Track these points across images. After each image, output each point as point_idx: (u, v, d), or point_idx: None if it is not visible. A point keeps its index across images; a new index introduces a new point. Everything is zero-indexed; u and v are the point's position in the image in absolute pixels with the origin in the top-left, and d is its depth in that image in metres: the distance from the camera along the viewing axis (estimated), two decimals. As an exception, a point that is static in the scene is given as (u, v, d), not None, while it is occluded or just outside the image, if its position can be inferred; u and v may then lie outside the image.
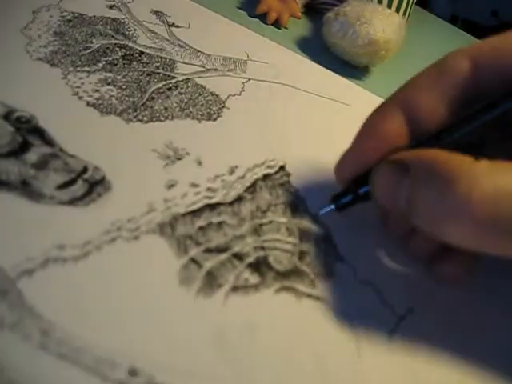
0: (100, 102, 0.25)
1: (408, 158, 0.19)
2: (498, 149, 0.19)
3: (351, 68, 0.37)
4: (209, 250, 0.21)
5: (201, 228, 0.22)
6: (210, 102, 0.28)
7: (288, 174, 0.26)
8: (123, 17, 0.32)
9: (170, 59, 0.30)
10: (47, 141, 0.23)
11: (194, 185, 0.23)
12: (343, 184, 0.23)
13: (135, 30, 0.31)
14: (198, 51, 0.31)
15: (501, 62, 0.19)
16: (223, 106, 0.28)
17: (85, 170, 0.22)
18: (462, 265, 0.22)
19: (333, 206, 0.23)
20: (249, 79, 0.31)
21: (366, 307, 0.21)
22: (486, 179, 0.16)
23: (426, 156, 0.18)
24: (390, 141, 0.21)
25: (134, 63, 0.29)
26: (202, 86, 0.29)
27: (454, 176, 0.17)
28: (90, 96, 0.26)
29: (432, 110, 0.20)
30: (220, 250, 0.21)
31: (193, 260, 0.21)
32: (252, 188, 0.24)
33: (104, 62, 0.28)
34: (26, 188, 0.21)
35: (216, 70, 0.31)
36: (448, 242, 0.18)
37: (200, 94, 0.28)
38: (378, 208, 0.23)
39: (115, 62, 0.28)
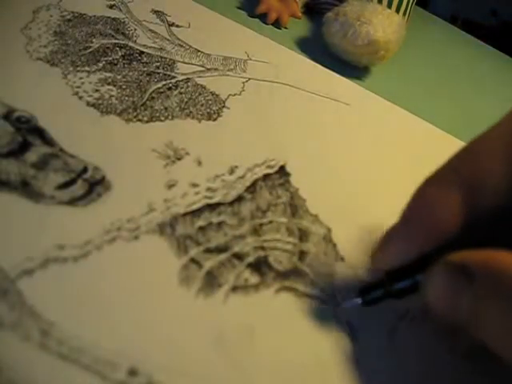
0: (100, 101, 0.25)
1: (473, 263, 0.16)
2: None
3: (351, 68, 0.37)
4: (209, 250, 0.21)
5: (201, 228, 0.22)
6: (210, 102, 0.28)
7: (288, 174, 0.26)
8: (123, 16, 0.32)
9: (170, 59, 0.30)
10: (47, 141, 0.23)
11: (194, 185, 0.23)
12: (380, 271, 0.20)
13: (135, 29, 0.31)
14: (198, 51, 0.31)
15: None
16: (223, 106, 0.28)
17: (85, 169, 0.22)
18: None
19: (359, 301, 0.20)
20: (249, 79, 0.31)
21: (365, 307, 0.21)
22: None
23: (496, 262, 0.15)
24: (444, 228, 0.17)
25: (134, 63, 0.29)
26: (202, 85, 0.29)
27: None
28: (90, 96, 0.26)
29: (502, 189, 0.17)
30: (220, 249, 0.21)
31: (193, 260, 0.21)
32: (252, 188, 0.24)
33: (104, 62, 0.28)
34: (25, 188, 0.21)
35: (216, 69, 0.31)
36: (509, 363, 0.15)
37: (200, 94, 0.28)
38: (421, 306, 0.20)
39: (115, 61, 0.28)
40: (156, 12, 0.33)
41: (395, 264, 0.19)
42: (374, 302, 0.20)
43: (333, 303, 0.21)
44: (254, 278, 0.21)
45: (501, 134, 0.17)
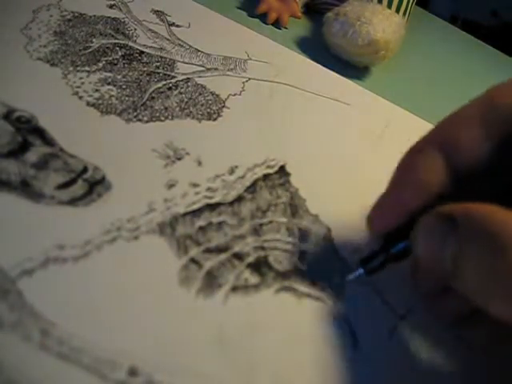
0: (100, 101, 0.25)
1: (457, 212, 0.17)
2: None
3: (351, 68, 0.37)
4: (209, 250, 0.21)
5: (201, 228, 0.22)
6: (210, 102, 0.28)
7: (288, 174, 0.26)
8: (123, 16, 0.32)
9: (170, 59, 0.30)
10: (47, 141, 0.23)
11: (194, 185, 0.23)
12: (377, 236, 0.21)
13: (135, 29, 0.31)
14: (198, 51, 0.31)
15: None
16: (223, 106, 0.28)
17: (85, 169, 0.22)
18: (492, 332, 0.20)
19: (362, 271, 0.21)
20: (249, 79, 0.31)
21: (366, 307, 0.21)
22: None
23: (478, 212, 0.16)
24: (430, 188, 0.19)
25: (134, 63, 0.29)
26: (202, 85, 0.29)
27: (509, 243, 0.15)
28: (90, 96, 0.26)
29: (476, 150, 0.18)
30: (220, 249, 0.21)
31: (193, 260, 0.21)
32: (252, 188, 0.24)
33: (104, 62, 0.28)
34: (25, 188, 0.21)
35: (216, 69, 0.31)
36: (490, 313, 0.16)
37: (200, 94, 0.28)
38: (410, 267, 0.20)
39: (115, 61, 0.28)
40: (156, 12, 0.33)
41: (389, 227, 0.20)
42: (376, 269, 0.20)
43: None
44: (253, 278, 0.21)
45: (478, 102, 0.19)
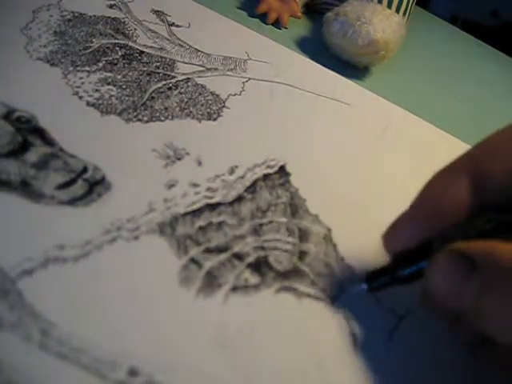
0: (100, 101, 0.25)
1: (476, 252, 0.16)
2: None
3: (351, 68, 0.37)
4: (209, 250, 0.21)
5: (201, 228, 0.22)
6: (210, 102, 0.28)
7: (288, 174, 0.26)
8: (123, 16, 0.32)
9: (170, 59, 0.30)
10: (47, 141, 0.23)
11: (194, 185, 0.23)
12: (391, 254, 0.20)
13: (135, 29, 0.31)
14: (198, 51, 0.31)
15: None
16: (223, 106, 0.28)
17: (85, 169, 0.22)
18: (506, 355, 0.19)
19: (365, 286, 0.20)
20: (249, 79, 0.31)
21: (366, 307, 0.21)
22: None
23: (498, 253, 0.16)
24: (452, 218, 0.18)
25: (134, 63, 0.29)
26: (202, 85, 0.29)
27: None
28: (90, 96, 0.26)
29: (508, 184, 0.17)
30: (220, 249, 0.21)
31: (193, 260, 0.21)
32: (252, 188, 0.24)
33: (104, 62, 0.28)
34: (25, 188, 0.21)
35: (216, 69, 0.31)
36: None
37: (200, 94, 0.28)
38: (420, 294, 0.19)
39: (115, 61, 0.28)
40: (156, 12, 0.33)
41: (403, 247, 0.19)
42: (379, 287, 0.20)
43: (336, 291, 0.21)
44: (253, 278, 0.21)
45: (510, 133, 0.18)
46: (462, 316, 0.17)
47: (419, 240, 0.19)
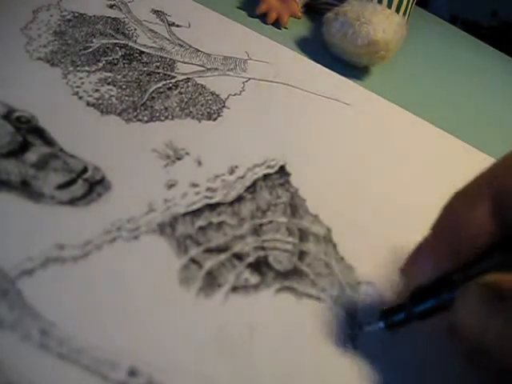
0: (100, 101, 0.25)
1: (506, 286, 0.16)
2: None
3: (351, 68, 0.37)
4: (209, 250, 0.21)
5: (201, 228, 0.22)
6: (210, 102, 0.28)
7: (288, 174, 0.26)
8: (123, 16, 0.32)
9: (170, 59, 0.30)
10: (47, 141, 0.23)
11: (194, 185, 0.23)
12: (412, 286, 0.19)
13: (135, 29, 0.31)
14: (198, 51, 0.31)
15: None
16: (223, 106, 0.28)
17: (85, 170, 0.22)
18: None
19: (382, 324, 0.19)
20: (249, 79, 0.31)
21: (365, 307, 0.21)
22: None
23: None
24: (472, 247, 0.17)
25: (134, 63, 0.29)
26: (202, 85, 0.29)
27: None
28: (90, 96, 0.26)
29: None
30: (220, 250, 0.21)
31: (193, 260, 0.21)
32: (252, 188, 0.24)
33: (104, 62, 0.28)
34: (26, 188, 0.21)
35: (216, 69, 0.31)
36: None
37: (200, 94, 0.28)
38: (447, 327, 0.18)
39: (115, 61, 0.28)
40: (156, 12, 0.33)
41: (424, 279, 0.18)
42: (396, 325, 0.19)
43: (353, 325, 0.21)
44: (253, 278, 0.21)
45: None
46: (485, 349, 0.17)
47: (440, 272, 0.18)
